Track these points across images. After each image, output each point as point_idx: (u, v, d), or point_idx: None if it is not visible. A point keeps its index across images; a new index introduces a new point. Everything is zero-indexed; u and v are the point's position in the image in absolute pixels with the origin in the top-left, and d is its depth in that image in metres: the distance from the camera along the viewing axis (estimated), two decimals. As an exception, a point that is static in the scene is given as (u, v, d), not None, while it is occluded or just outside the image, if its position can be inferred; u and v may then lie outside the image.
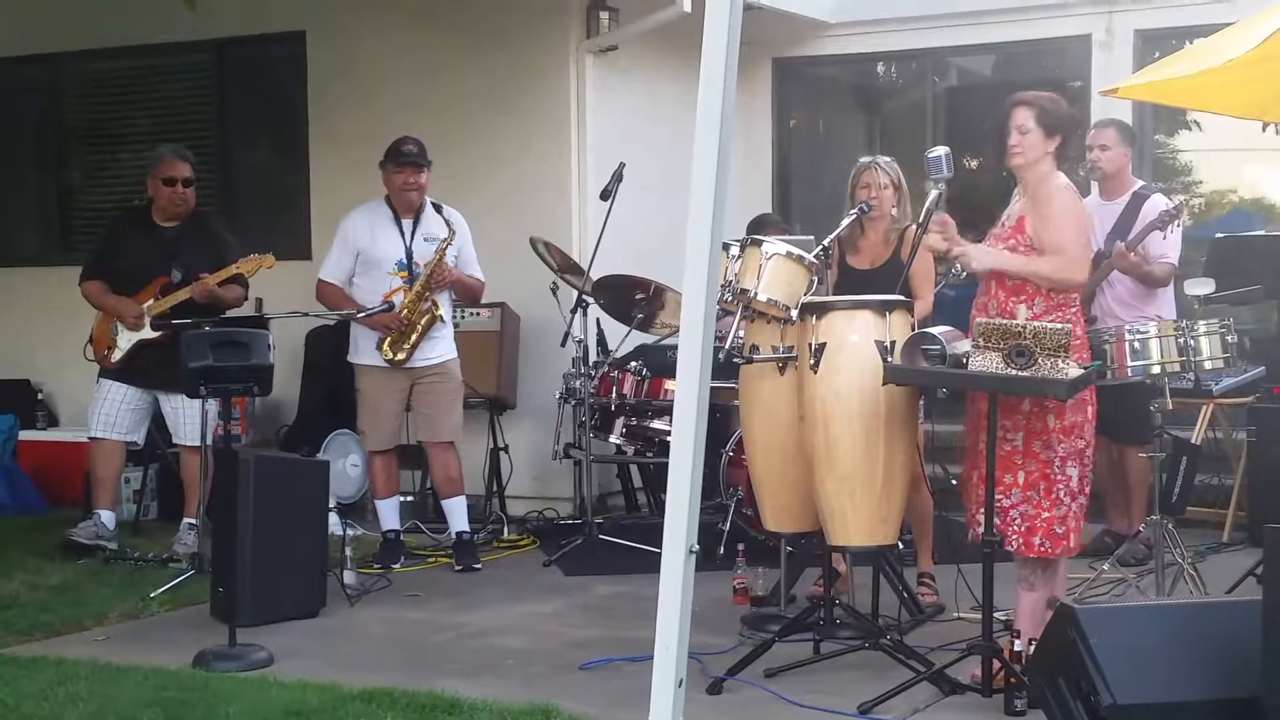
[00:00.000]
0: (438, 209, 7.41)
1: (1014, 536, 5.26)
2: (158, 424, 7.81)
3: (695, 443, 4.13)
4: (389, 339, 7.32)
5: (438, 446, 7.55)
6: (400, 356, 7.33)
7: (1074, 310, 5.35)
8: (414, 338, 7.31)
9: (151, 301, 7.51)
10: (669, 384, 7.61)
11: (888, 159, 6.48)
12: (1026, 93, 5.44)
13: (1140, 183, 7.43)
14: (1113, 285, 7.12)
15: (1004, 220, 5.49)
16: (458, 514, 7.58)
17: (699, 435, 4.14)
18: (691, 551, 4.13)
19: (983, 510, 5.18)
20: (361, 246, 7.45)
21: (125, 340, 7.55)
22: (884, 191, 6.31)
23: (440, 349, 7.47)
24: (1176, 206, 6.86)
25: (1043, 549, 5.27)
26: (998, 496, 5.22)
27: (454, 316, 7.67)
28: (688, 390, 4.16)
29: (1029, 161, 5.37)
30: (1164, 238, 6.92)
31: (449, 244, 7.34)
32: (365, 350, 7.44)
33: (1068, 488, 5.26)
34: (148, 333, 7.49)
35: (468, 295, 7.65)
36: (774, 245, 5.56)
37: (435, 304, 7.32)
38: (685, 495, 4.12)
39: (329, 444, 8.44)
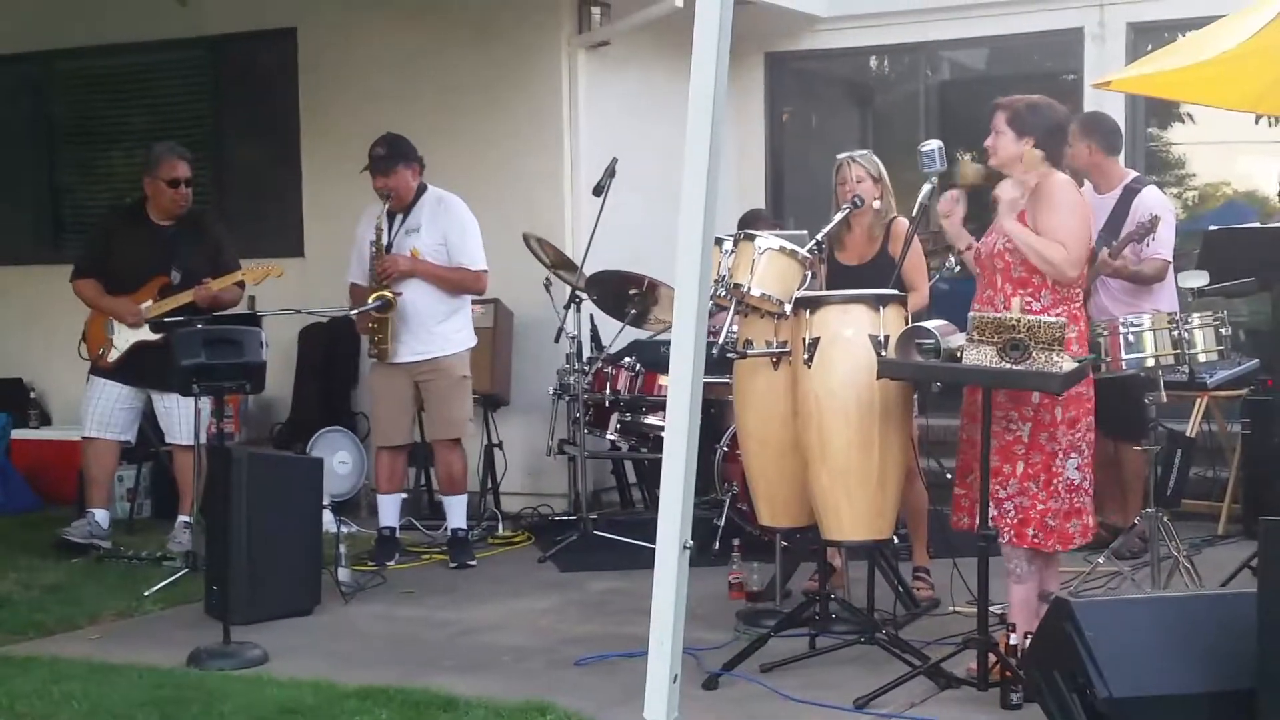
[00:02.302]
0: (420, 193, 7.41)
1: (1007, 529, 5.25)
2: (150, 422, 7.80)
3: (689, 438, 4.12)
4: (374, 335, 7.35)
5: (441, 444, 7.55)
6: (375, 353, 7.35)
7: (1078, 305, 5.35)
8: (385, 332, 7.31)
9: (150, 303, 7.49)
10: (663, 379, 7.61)
11: (864, 152, 6.47)
12: (1008, 97, 5.46)
13: (1133, 174, 7.37)
14: (1106, 284, 7.09)
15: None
16: (456, 511, 7.58)
17: (692, 431, 4.13)
18: (685, 547, 4.13)
19: (968, 504, 5.21)
20: (358, 243, 7.50)
21: (122, 341, 7.54)
22: (860, 185, 6.29)
23: (433, 345, 7.43)
24: (1152, 220, 6.76)
25: (1035, 541, 5.24)
26: (993, 487, 5.21)
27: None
28: (680, 386, 4.16)
29: (1001, 162, 5.40)
30: (1140, 251, 6.88)
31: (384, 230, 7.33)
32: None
33: (1065, 481, 5.24)
34: (147, 334, 7.47)
35: (448, 286, 7.44)
36: (767, 240, 5.57)
37: (388, 296, 7.23)
38: (679, 491, 4.11)
39: (316, 441, 8.40)
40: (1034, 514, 5.23)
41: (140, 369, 7.49)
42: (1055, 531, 5.25)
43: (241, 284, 7.58)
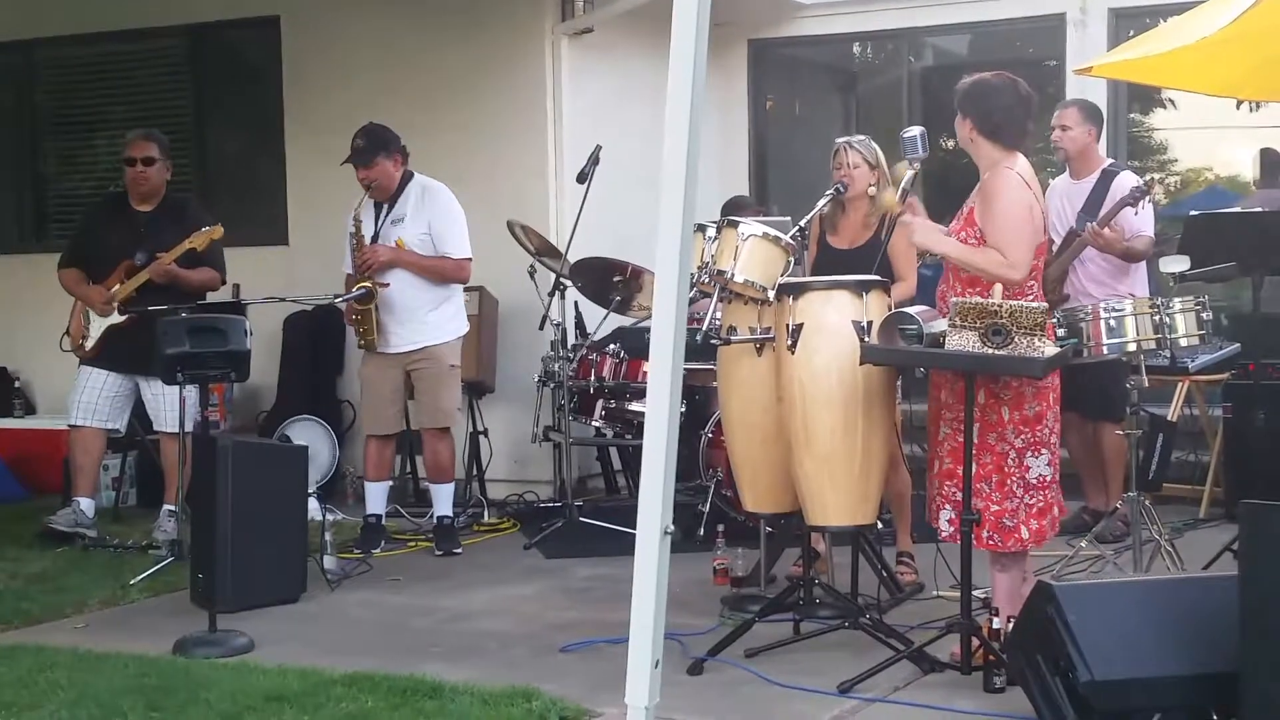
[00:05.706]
0: (405, 182, 7.40)
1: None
2: (136, 411, 7.79)
3: (669, 424, 4.13)
4: (359, 326, 7.33)
5: (429, 433, 7.54)
6: (362, 343, 7.33)
7: (1030, 298, 5.21)
8: (370, 323, 7.29)
9: (117, 286, 7.48)
10: (647, 366, 7.61)
11: (862, 138, 6.48)
12: (968, 77, 5.43)
13: (1109, 160, 7.43)
14: (1085, 263, 7.13)
15: (961, 210, 5.45)
16: (442, 499, 7.59)
17: (673, 416, 4.14)
18: (666, 532, 4.14)
19: (941, 502, 5.23)
20: (349, 233, 7.47)
21: (96, 328, 7.55)
22: (855, 171, 6.31)
23: (425, 334, 7.43)
24: (1146, 183, 6.87)
25: (990, 542, 5.20)
26: (950, 490, 5.20)
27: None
28: (661, 371, 4.16)
29: (961, 144, 5.41)
30: (1135, 214, 6.94)
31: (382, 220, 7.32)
32: None
33: (1023, 480, 5.18)
34: (115, 318, 7.48)
35: (433, 275, 7.42)
36: (750, 226, 5.57)
37: (373, 285, 7.23)
38: (660, 476, 4.12)
39: (283, 429, 8.32)
40: (988, 515, 5.18)
41: (119, 353, 7.49)
42: (1014, 531, 5.20)
43: (217, 265, 7.54)
